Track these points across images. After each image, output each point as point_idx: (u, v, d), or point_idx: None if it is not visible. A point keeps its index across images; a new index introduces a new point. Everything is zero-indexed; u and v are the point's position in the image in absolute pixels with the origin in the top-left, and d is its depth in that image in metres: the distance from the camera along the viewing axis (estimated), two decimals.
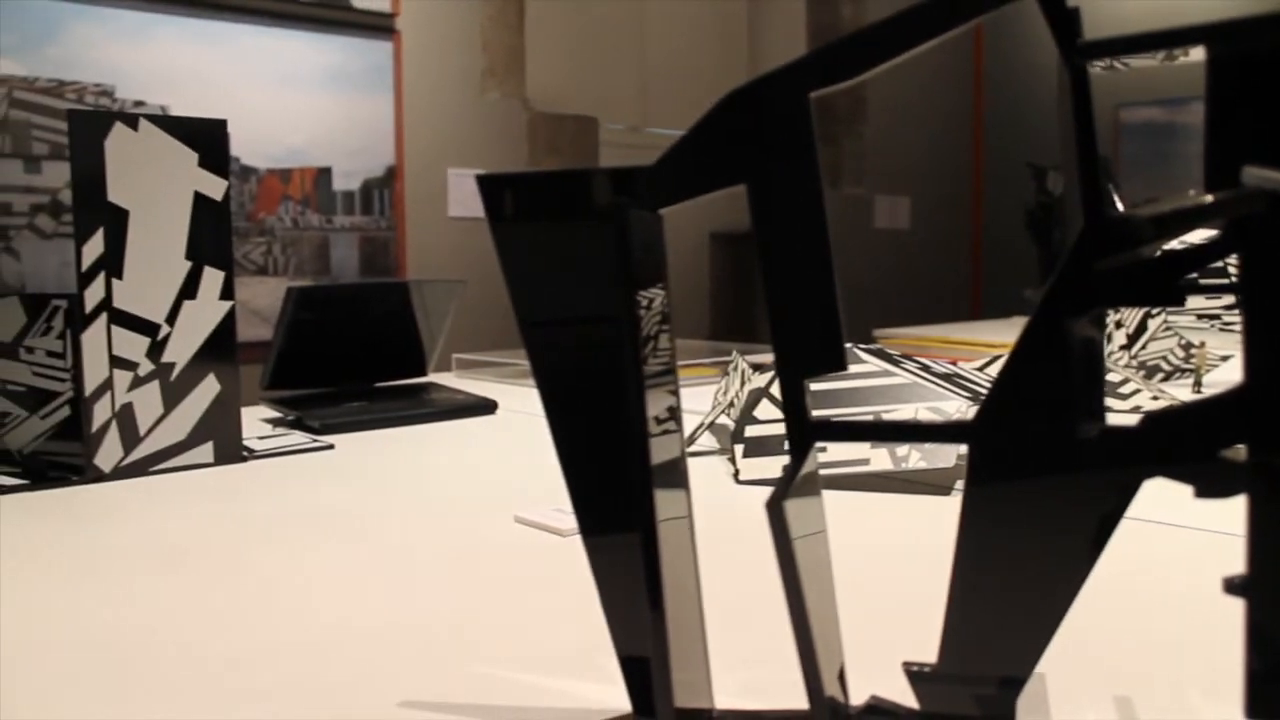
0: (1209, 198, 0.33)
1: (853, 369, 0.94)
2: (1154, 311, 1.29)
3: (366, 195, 2.99)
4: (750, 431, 0.91)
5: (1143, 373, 1.32)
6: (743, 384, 1.07)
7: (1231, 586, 0.36)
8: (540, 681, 0.47)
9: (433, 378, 1.44)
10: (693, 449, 1.01)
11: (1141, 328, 1.32)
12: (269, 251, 2.80)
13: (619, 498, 0.40)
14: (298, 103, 2.83)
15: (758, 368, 1.05)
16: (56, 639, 0.53)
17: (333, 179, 2.91)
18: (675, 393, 0.42)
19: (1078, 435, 0.36)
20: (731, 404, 1.01)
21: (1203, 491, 0.36)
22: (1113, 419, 0.36)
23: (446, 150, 3.17)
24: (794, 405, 0.39)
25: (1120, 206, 1.44)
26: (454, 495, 0.86)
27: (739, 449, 0.90)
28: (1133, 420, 0.35)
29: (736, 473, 0.89)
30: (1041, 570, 0.37)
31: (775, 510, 0.35)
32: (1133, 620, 0.54)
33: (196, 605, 0.58)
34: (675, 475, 0.42)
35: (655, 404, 0.40)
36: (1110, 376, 1.03)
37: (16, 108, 2.40)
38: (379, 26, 2.99)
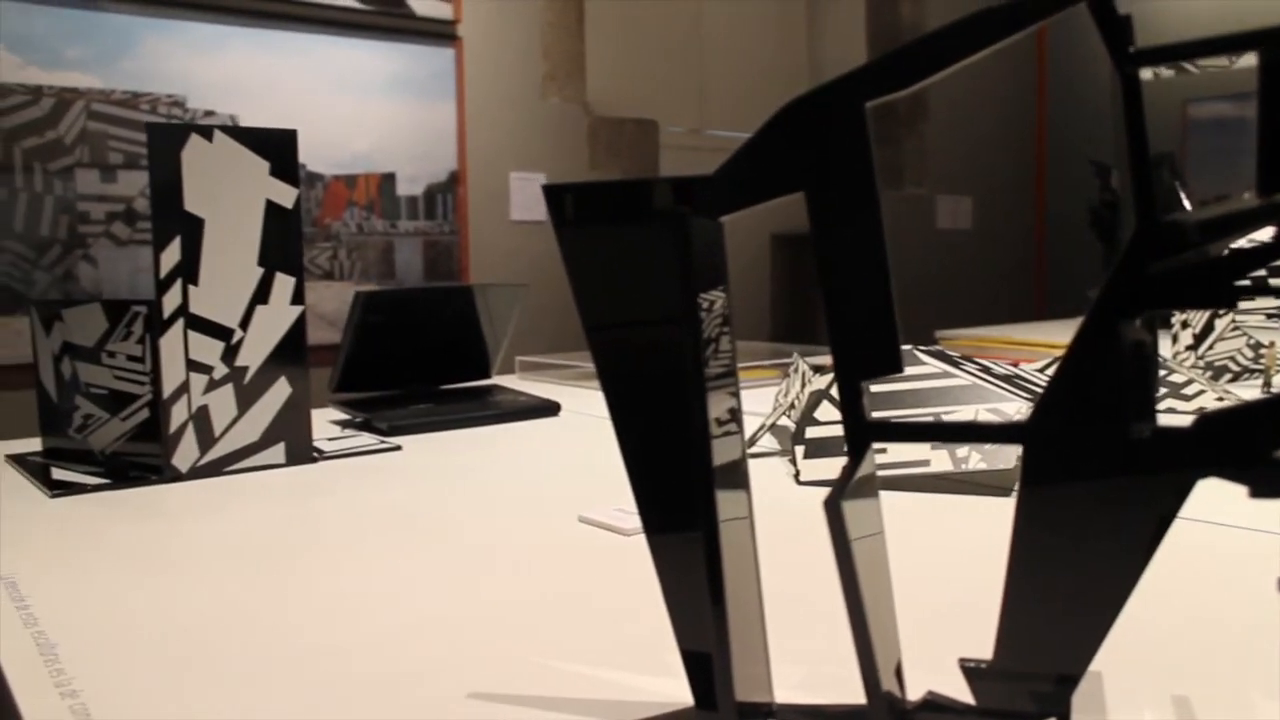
0: (1258, 202, 0.34)
1: (913, 371, 0.94)
2: (1221, 311, 1.27)
3: (430, 200, 3.03)
4: (811, 433, 0.92)
5: (1209, 373, 1.30)
6: (803, 386, 1.07)
7: None
8: (603, 675, 0.48)
9: (497, 380, 1.46)
10: (754, 450, 1.02)
11: (1209, 328, 1.30)
12: (335, 256, 2.85)
13: (682, 497, 0.41)
14: (362, 110, 2.88)
15: (818, 369, 1.06)
16: (136, 629, 0.55)
17: (397, 184, 2.96)
18: (736, 394, 0.43)
19: (1131, 436, 0.36)
20: (792, 405, 1.01)
21: (1257, 492, 0.36)
22: (1174, 420, 0.36)
23: (508, 154, 3.20)
24: (851, 406, 0.40)
25: (1187, 205, 1.42)
26: (519, 495, 0.88)
27: (800, 450, 0.91)
28: (1187, 421, 0.36)
29: (797, 474, 0.89)
30: (1095, 570, 0.37)
31: (833, 509, 0.36)
32: (1194, 620, 0.54)
33: (269, 599, 0.61)
34: (736, 476, 0.43)
35: (716, 405, 0.41)
36: (1174, 377, 1.02)
37: (94, 119, 2.47)
38: (441, 33, 3.03)
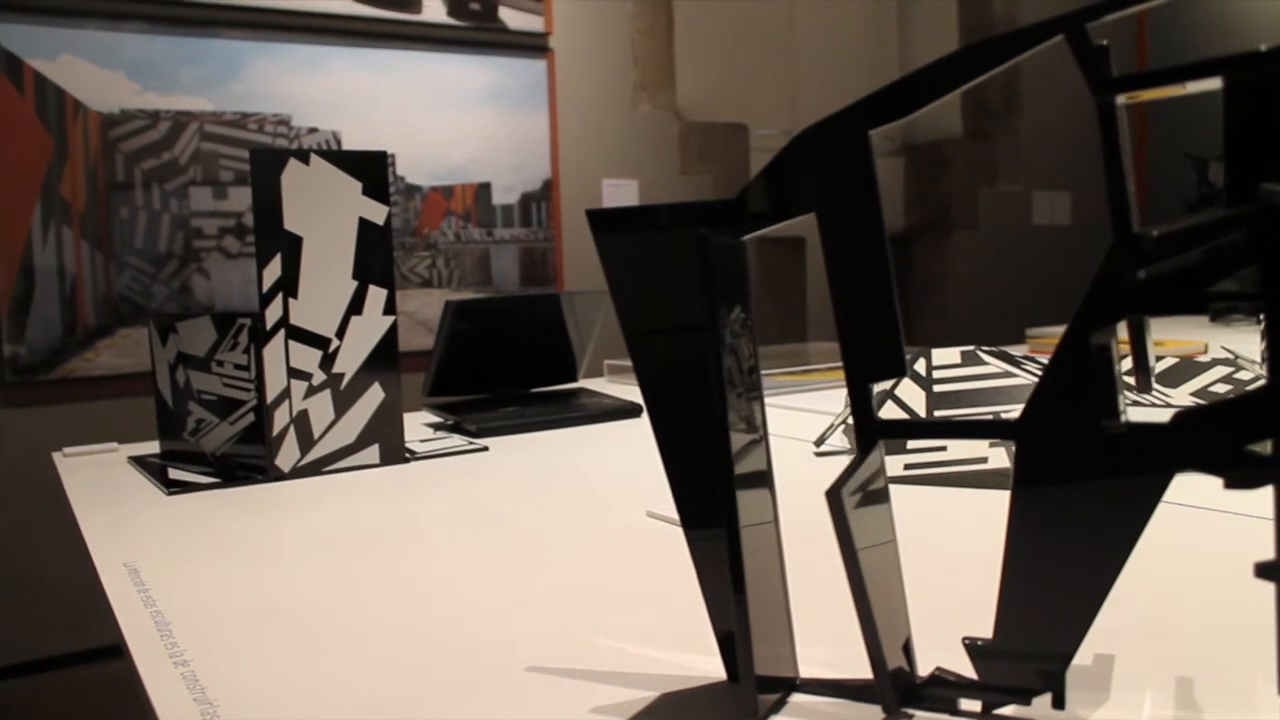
0: (1218, 214, 0.37)
1: (977, 370, 0.97)
2: None
3: (525, 208, 3.11)
4: (921, 438, 0.95)
5: None
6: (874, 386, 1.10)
7: (1262, 571, 0.39)
8: (653, 653, 0.53)
9: (583, 383, 1.52)
10: (823, 449, 1.06)
11: None
12: (433, 265, 2.95)
13: (708, 496, 0.46)
14: (458, 122, 2.97)
15: None
16: (240, 609, 0.62)
17: (492, 193, 3.05)
18: (758, 399, 0.47)
19: (1113, 431, 0.39)
20: None
21: (1232, 483, 0.39)
22: (1152, 417, 0.39)
23: (601, 162, 3.27)
24: (861, 407, 0.44)
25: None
26: (594, 492, 0.93)
27: None
28: (1165, 418, 0.39)
29: None
30: (1082, 556, 0.40)
31: (834, 498, 0.40)
32: (1203, 606, 0.56)
33: (358, 583, 0.67)
34: (760, 477, 0.47)
35: (737, 411, 0.45)
36: (1242, 374, 1.02)
37: (206, 140, 2.61)
38: (533, 46, 3.11)
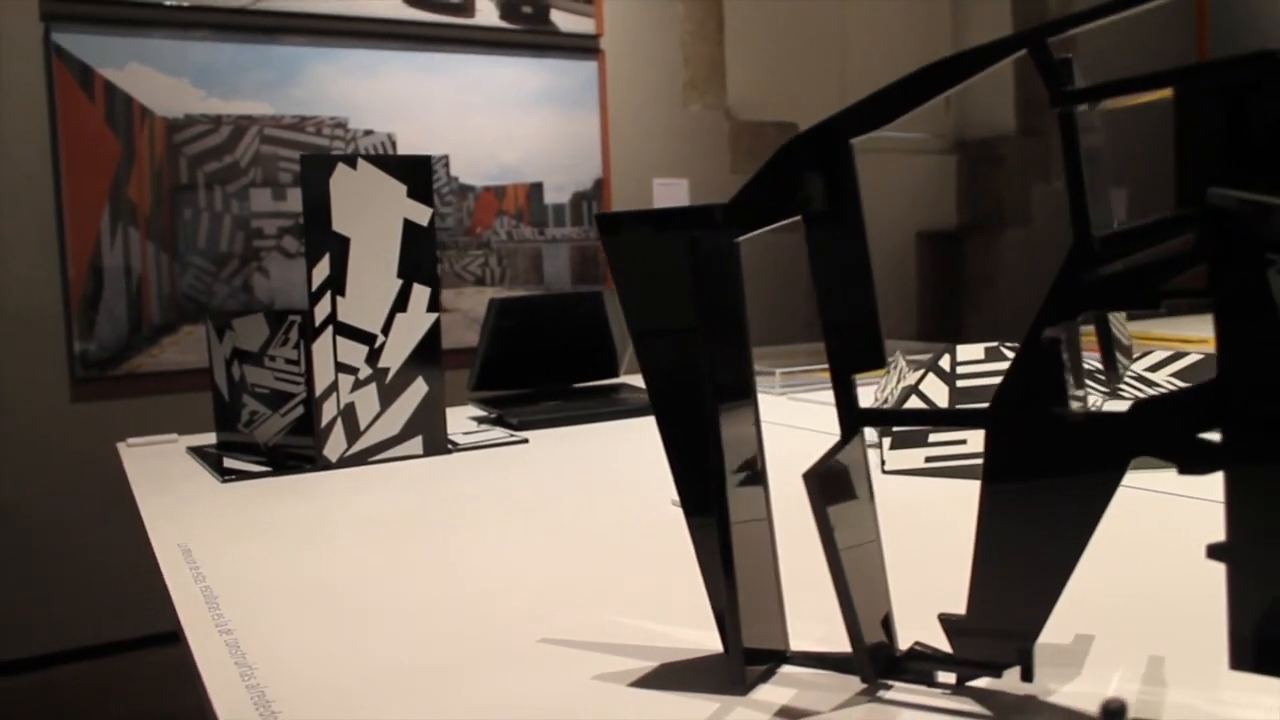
0: (1167, 217, 0.39)
1: (998, 366, 0.99)
2: None
3: (576, 207, 3.16)
4: (898, 425, 0.98)
5: None
6: (899, 381, 1.13)
7: (1213, 552, 0.42)
8: (659, 628, 0.56)
9: (624, 379, 1.55)
10: None
11: None
12: (486, 264, 3.01)
13: (704, 487, 0.49)
14: (511, 123, 3.03)
15: (915, 366, 1.11)
16: (283, 585, 0.66)
17: (544, 193, 3.10)
18: (751, 397, 0.51)
19: (1074, 420, 0.42)
20: (887, 400, 1.07)
21: (1185, 469, 0.42)
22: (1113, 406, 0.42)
23: (651, 161, 3.31)
24: (844, 396, 0.47)
25: None
26: (624, 482, 0.96)
27: (886, 441, 0.97)
28: (1123, 407, 0.42)
29: (883, 462, 0.95)
30: (1045, 538, 0.43)
31: (812, 481, 0.44)
32: (1183, 588, 0.58)
33: (397, 563, 0.71)
34: (750, 468, 0.50)
35: (728, 407, 0.49)
36: None
37: (266, 143, 2.69)
38: (584, 47, 3.16)
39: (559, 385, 1.48)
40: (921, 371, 1.04)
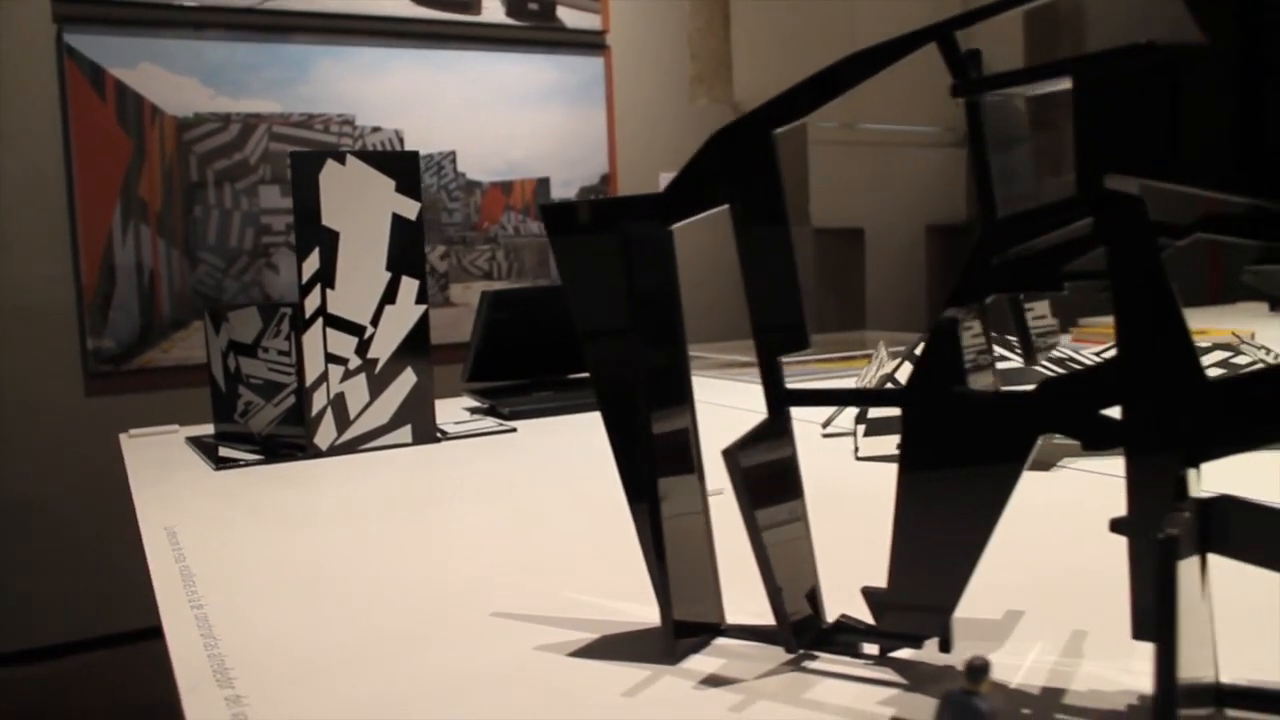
0: (1066, 200, 0.41)
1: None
2: None
3: None
4: (872, 412, 0.99)
5: None
6: (878, 369, 1.15)
7: (1116, 526, 0.43)
8: (608, 604, 0.58)
9: None
10: (831, 430, 1.10)
11: None
12: (493, 258, 3.04)
13: (636, 476, 0.51)
14: (517, 119, 3.05)
15: (896, 355, 1.13)
16: (261, 566, 0.69)
17: (551, 188, 3.12)
18: (684, 383, 0.52)
19: (982, 399, 0.44)
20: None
21: (1089, 445, 0.43)
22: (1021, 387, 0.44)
23: (657, 156, 3.33)
24: (770, 377, 0.49)
25: None
26: (604, 469, 0.98)
27: (860, 429, 0.99)
28: (1030, 387, 0.43)
29: (856, 449, 0.97)
30: (959, 513, 0.45)
31: (732, 458, 0.46)
32: (1108, 566, 0.60)
33: (382, 546, 0.73)
34: (682, 457, 0.52)
35: (660, 402, 0.51)
36: (1239, 359, 1.04)
37: (275, 140, 2.73)
38: (591, 44, 3.18)
39: (552, 376, 1.51)
40: (897, 361, 1.06)
